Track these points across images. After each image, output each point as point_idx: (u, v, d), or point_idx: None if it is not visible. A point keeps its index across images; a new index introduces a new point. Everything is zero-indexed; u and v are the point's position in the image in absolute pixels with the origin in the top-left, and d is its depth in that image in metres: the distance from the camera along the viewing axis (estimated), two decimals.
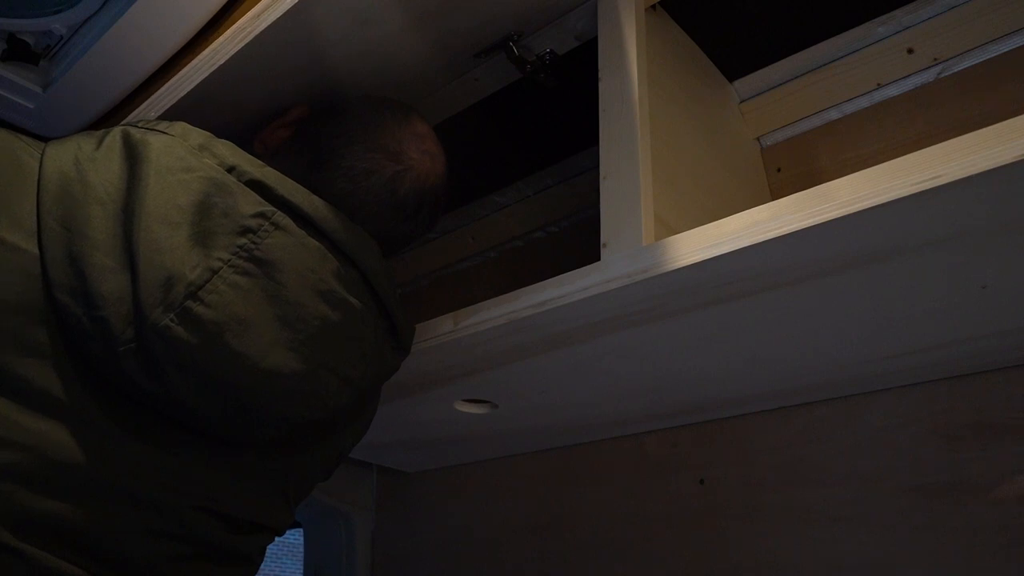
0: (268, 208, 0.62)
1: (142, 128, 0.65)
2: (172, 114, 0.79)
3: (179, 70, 0.78)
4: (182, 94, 0.77)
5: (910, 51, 0.84)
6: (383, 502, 1.32)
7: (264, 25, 0.70)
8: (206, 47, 0.76)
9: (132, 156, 0.62)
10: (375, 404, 0.80)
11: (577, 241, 1.13)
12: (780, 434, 0.88)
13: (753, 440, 0.90)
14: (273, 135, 0.78)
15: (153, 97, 0.80)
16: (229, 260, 0.59)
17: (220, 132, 0.68)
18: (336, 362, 0.64)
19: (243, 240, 0.60)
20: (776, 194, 0.93)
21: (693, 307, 0.65)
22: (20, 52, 0.82)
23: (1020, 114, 0.47)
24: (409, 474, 1.28)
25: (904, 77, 0.85)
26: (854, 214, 0.51)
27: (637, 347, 0.73)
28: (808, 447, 0.85)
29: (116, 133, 0.64)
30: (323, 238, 0.64)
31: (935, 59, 0.83)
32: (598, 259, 0.65)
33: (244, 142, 0.69)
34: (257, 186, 0.62)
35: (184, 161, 0.61)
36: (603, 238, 0.65)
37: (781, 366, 0.77)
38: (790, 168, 0.93)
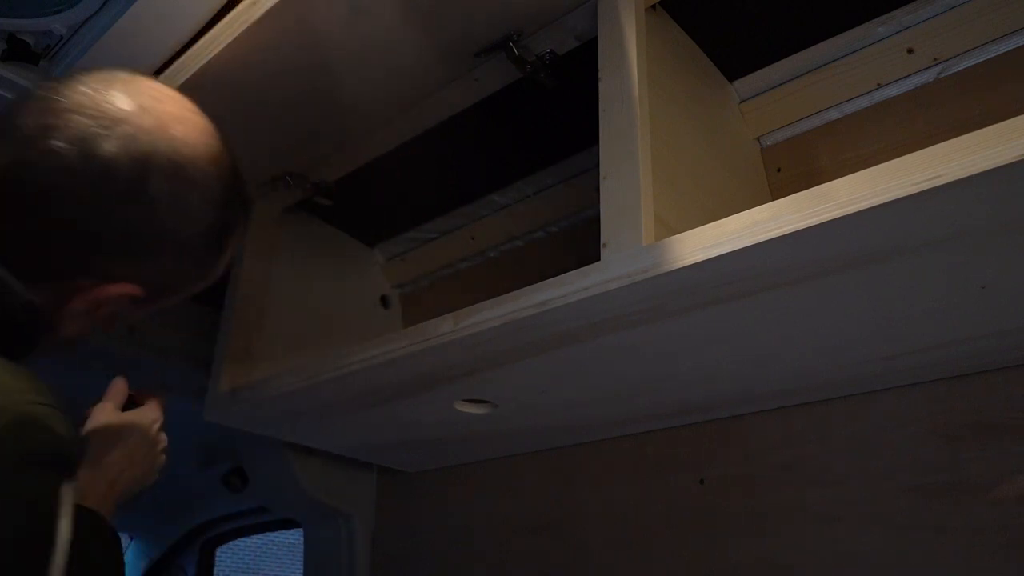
0: None
1: None
2: None
3: None
4: (180, 82, 0.77)
5: (910, 51, 0.84)
6: (383, 502, 1.32)
7: (259, 13, 0.70)
8: None
9: None
10: None
11: (577, 241, 1.13)
12: (780, 434, 0.88)
13: (753, 440, 0.90)
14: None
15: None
16: None
17: (220, 122, 0.63)
18: None
19: None
20: (776, 194, 0.93)
21: (693, 307, 0.65)
22: (20, 52, 0.83)
23: (1020, 114, 0.47)
24: (409, 474, 1.28)
25: (904, 77, 0.85)
26: (854, 214, 0.51)
27: (637, 347, 0.73)
28: (808, 447, 0.85)
29: None
30: None
31: (935, 59, 0.83)
32: (598, 259, 0.65)
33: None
34: None
35: None
36: (603, 238, 0.65)
37: (781, 366, 0.77)
38: (790, 168, 0.93)
